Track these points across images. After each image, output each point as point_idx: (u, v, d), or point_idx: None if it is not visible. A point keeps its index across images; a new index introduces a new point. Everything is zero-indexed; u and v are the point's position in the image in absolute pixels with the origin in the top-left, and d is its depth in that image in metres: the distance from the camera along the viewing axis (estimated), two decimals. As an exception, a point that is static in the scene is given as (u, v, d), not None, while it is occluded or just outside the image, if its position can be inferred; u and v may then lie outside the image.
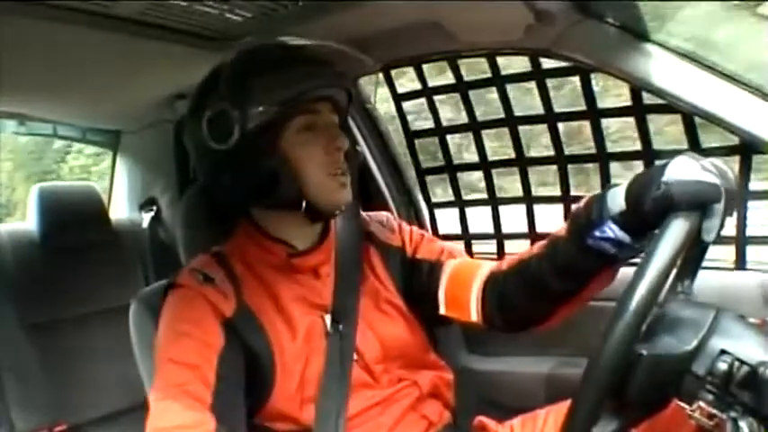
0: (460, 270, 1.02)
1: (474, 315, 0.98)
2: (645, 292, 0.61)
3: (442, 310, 1.01)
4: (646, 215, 0.71)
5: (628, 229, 0.76)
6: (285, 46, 1.04)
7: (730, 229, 1.18)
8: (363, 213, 1.12)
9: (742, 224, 1.19)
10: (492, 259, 1.04)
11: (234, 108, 0.90)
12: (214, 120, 0.92)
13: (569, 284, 0.86)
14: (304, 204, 0.93)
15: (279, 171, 0.91)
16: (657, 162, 0.74)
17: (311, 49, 1.01)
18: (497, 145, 1.57)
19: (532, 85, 1.34)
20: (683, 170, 0.69)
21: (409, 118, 1.58)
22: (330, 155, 0.93)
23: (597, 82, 1.30)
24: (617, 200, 0.76)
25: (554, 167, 1.39)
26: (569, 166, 1.38)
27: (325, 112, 0.96)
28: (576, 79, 1.28)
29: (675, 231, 0.64)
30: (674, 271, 0.66)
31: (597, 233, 0.78)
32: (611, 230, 0.76)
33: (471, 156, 1.52)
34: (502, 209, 1.50)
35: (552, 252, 0.87)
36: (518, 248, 1.47)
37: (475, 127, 1.46)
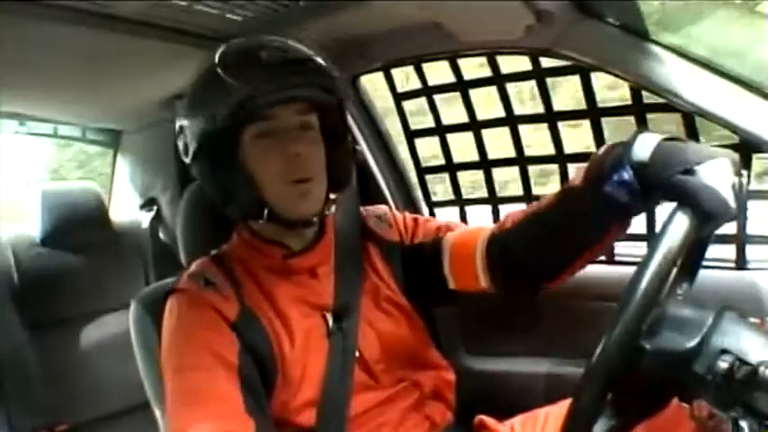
0: (460, 240, 1.00)
1: (483, 281, 0.96)
2: (649, 283, 0.61)
3: (452, 285, 0.99)
4: (661, 184, 0.71)
5: (642, 181, 0.75)
6: (242, 49, 0.91)
7: (730, 228, 1.18)
8: (361, 208, 1.10)
9: (742, 224, 1.19)
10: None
11: (186, 119, 0.91)
12: (179, 132, 0.94)
13: (583, 233, 0.84)
14: (266, 214, 0.90)
15: (235, 181, 0.89)
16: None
17: (280, 48, 0.90)
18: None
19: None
20: (717, 176, 0.68)
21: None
22: (288, 162, 0.88)
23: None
24: (645, 149, 0.74)
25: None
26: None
27: (283, 116, 0.89)
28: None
29: (680, 227, 0.64)
30: (675, 268, 0.66)
31: (615, 176, 0.76)
32: (628, 175, 0.75)
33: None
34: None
35: (565, 202, 0.85)
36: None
37: (475, 126, 1.46)
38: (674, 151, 0.72)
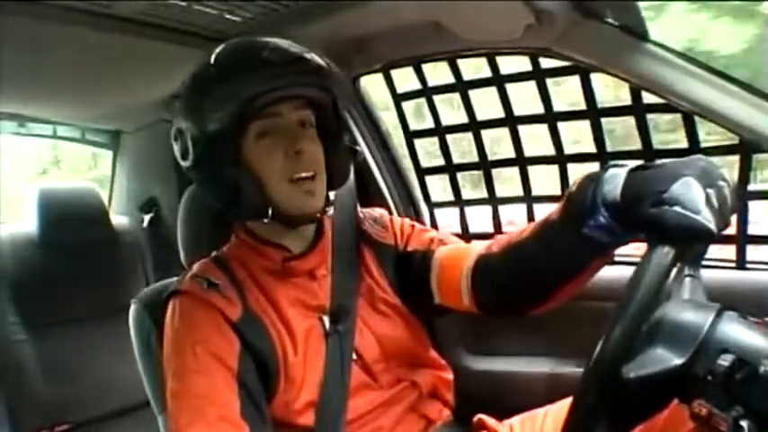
0: (449, 256, 1.00)
1: (467, 302, 0.95)
2: (629, 320, 0.62)
3: (437, 299, 1.00)
4: (636, 221, 0.70)
5: (619, 221, 0.73)
6: (242, 48, 0.93)
7: (730, 228, 1.18)
8: (359, 210, 1.10)
9: (742, 224, 1.19)
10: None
11: (187, 122, 0.90)
12: (177, 136, 0.93)
13: (565, 270, 0.84)
14: (270, 212, 0.90)
15: (239, 181, 0.89)
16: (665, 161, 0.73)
17: (278, 46, 0.91)
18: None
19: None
20: (687, 197, 0.65)
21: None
22: (290, 159, 0.89)
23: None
24: (614, 188, 0.72)
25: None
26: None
27: (285, 113, 0.90)
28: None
29: (660, 261, 0.64)
30: (673, 274, 0.66)
31: (592, 222, 0.74)
32: (605, 218, 0.73)
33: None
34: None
35: (546, 238, 0.84)
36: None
37: (475, 127, 1.46)
38: (642, 183, 0.70)
